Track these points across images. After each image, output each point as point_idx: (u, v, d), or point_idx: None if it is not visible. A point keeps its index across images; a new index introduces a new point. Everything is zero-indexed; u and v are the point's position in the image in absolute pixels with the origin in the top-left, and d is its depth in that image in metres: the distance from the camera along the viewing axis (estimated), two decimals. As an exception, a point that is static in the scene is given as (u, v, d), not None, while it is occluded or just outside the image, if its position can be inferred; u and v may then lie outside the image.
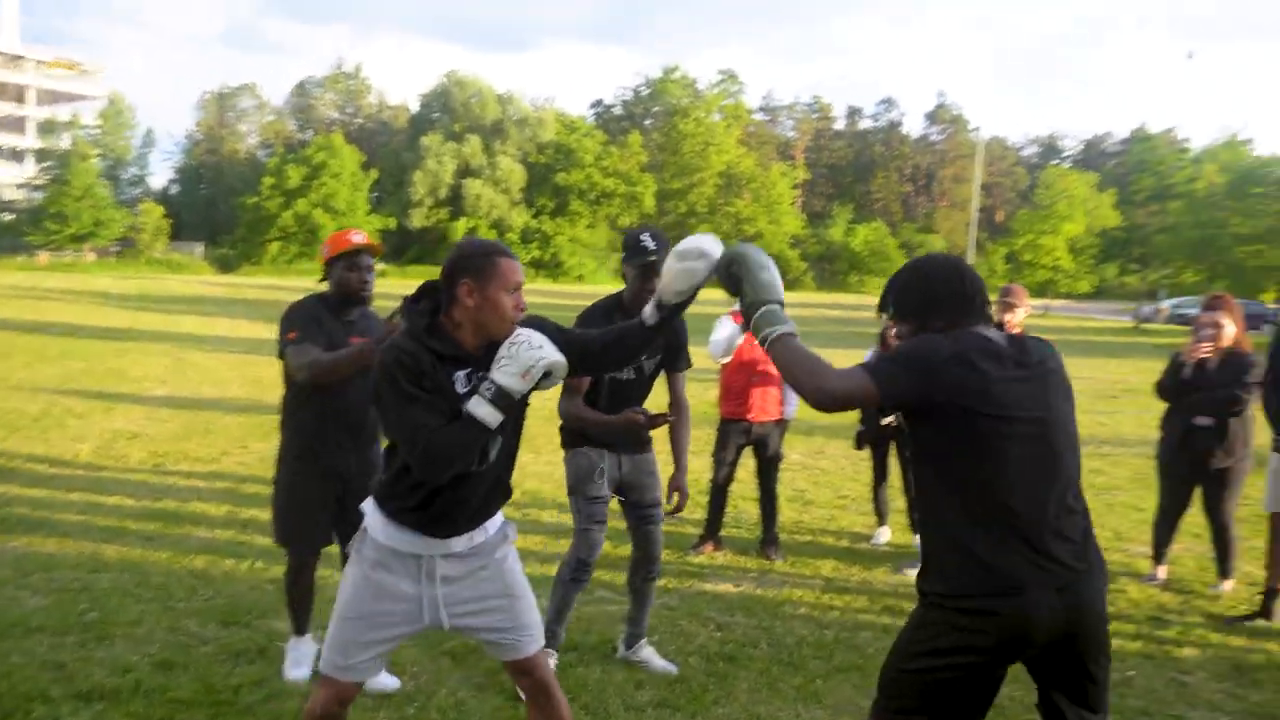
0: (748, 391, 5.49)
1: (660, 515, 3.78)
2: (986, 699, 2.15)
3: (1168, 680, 3.86)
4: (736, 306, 5.54)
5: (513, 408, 2.28)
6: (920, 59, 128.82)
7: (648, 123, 72.16)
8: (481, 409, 2.22)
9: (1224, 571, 5.13)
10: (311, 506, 3.50)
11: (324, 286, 3.54)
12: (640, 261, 3.48)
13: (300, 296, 3.55)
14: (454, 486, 2.32)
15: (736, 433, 5.57)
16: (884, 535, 5.97)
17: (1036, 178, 64.00)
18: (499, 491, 2.49)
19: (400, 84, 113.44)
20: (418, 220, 60.16)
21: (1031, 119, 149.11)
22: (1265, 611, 4.60)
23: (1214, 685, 3.82)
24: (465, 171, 60.07)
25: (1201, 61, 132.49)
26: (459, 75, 62.97)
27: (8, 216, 58.01)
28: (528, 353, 2.23)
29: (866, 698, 3.59)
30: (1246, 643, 4.33)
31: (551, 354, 2.25)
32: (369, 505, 2.44)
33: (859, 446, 6.20)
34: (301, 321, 3.40)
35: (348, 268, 3.47)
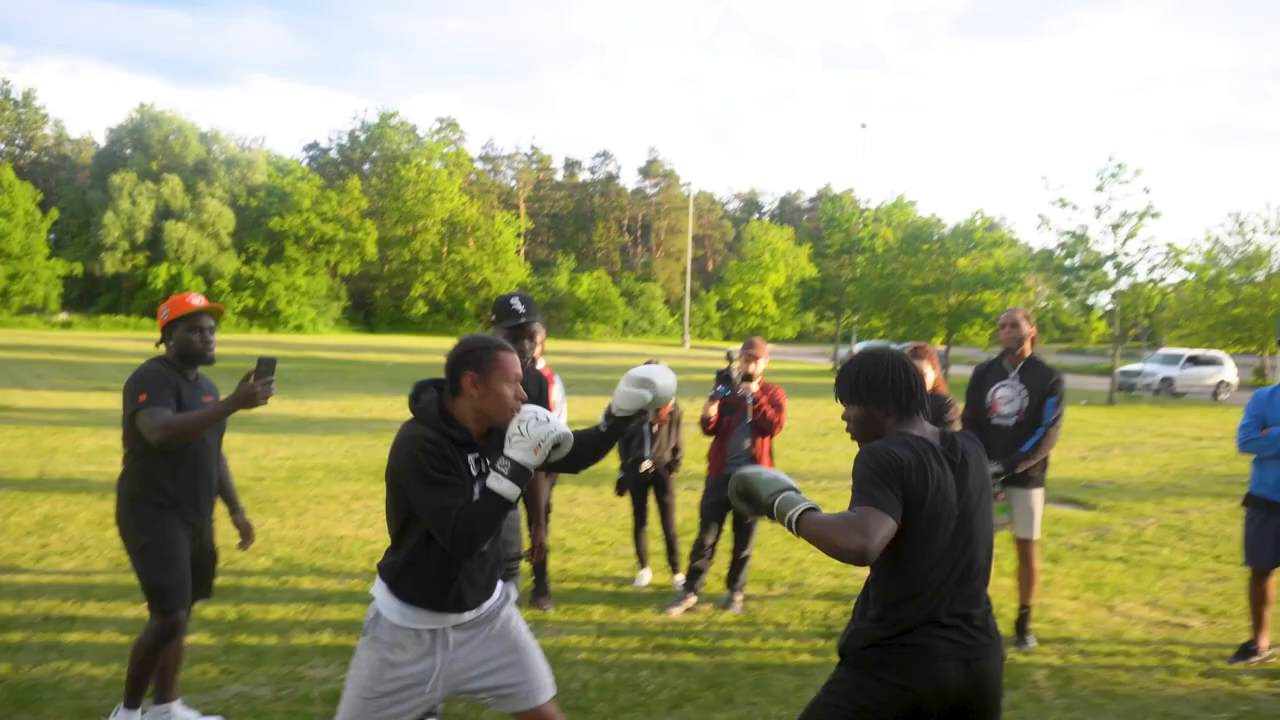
0: None
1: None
2: None
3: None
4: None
5: (527, 481, 2.50)
6: (631, 114, 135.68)
7: (366, 168, 70.43)
8: (501, 485, 2.46)
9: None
10: (184, 564, 3.61)
11: (161, 350, 3.67)
12: (511, 324, 3.83)
13: (141, 361, 3.67)
14: (469, 562, 2.58)
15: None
16: (646, 577, 6.33)
17: (741, 230, 69.33)
18: (499, 561, 2.75)
19: (83, 116, 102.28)
20: (110, 265, 54.75)
21: (734, 176, 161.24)
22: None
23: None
24: (165, 213, 55.52)
25: (873, 130, 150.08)
26: (154, 109, 58.16)
27: None
28: (537, 428, 2.49)
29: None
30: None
31: (558, 426, 2.51)
32: (379, 588, 2.62)
33: (620, 493, 6.56)
34: (151, 385, 3.50)
35: (189, 329, 3.63)
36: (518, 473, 2.47)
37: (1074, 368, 38.06)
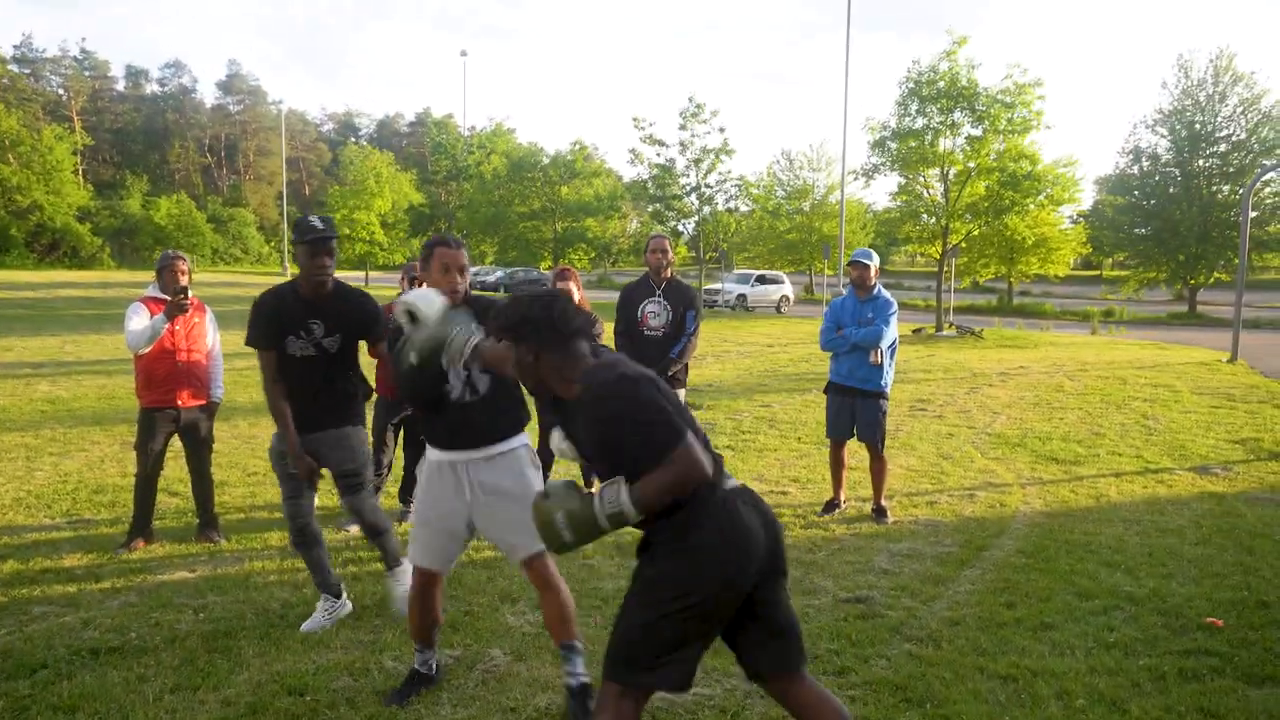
0: (173, 379, 5.43)
1: (359, 483, 4.23)
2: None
3: (580, 567, 5.08)
4: (149, 292, 5.57)
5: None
6: (204, 21, 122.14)
7: None
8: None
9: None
10: None
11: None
12: (311, 238, 3.90)
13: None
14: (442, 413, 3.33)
15: (164, 421, 5.45)
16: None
17: (338, 154, 66.20)
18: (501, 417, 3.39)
19: None
20: None
21: (326, 96, 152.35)
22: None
23: (610, 563, 5.16)
24: None
25: (471, 58, 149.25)
26: None
27: None
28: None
29: (368, 632, 4.15)
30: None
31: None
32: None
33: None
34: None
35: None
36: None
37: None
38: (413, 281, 6.32)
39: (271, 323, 4.02)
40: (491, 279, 38.63)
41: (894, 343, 6.05)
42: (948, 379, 14.04)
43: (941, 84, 22.86)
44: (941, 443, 8.92)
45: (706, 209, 30.08)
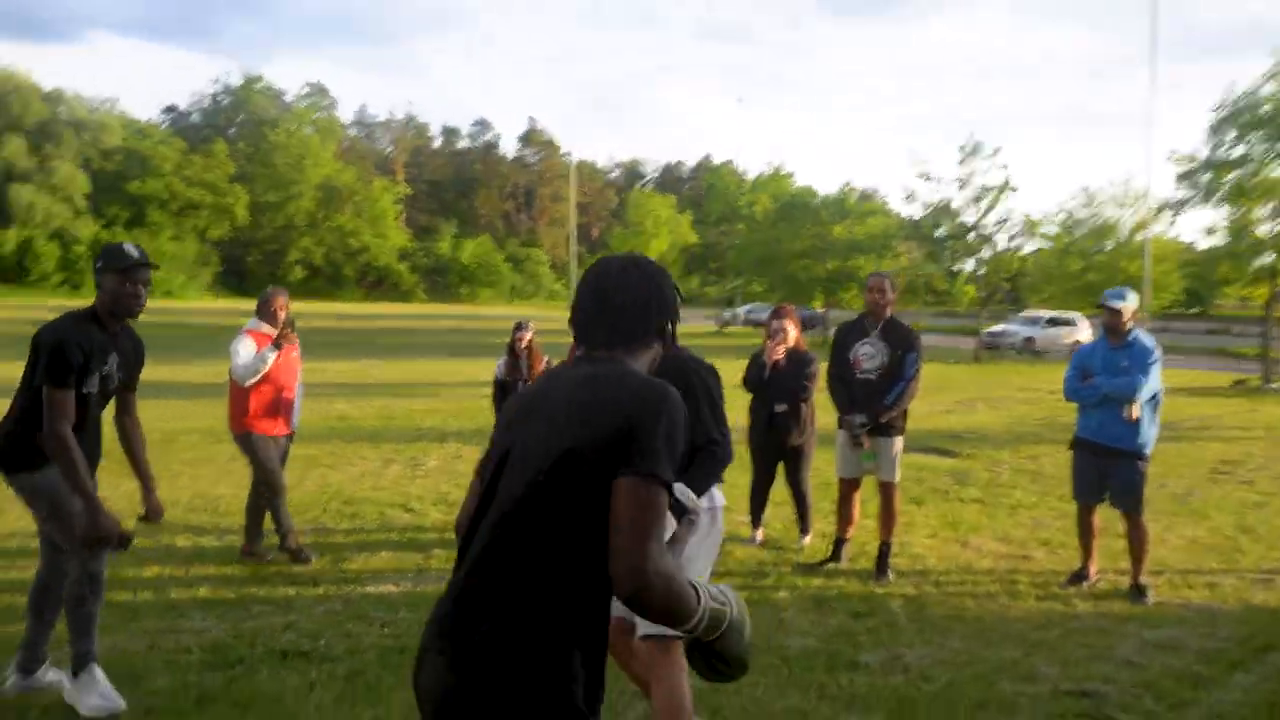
0: (275, 408, 5.65)
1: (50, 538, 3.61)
2: None
3: (771, 619, 4.72)
4: (250, 325, 5.66)
5: None
6: (509, 83, 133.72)
7: (231, 132, 67.41)
8: None
9: (804, 528, 6.27)
10: None
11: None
12: (120, 265, 3.48)
13: None
14: None
15: (274, 446, 5.67)
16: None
17: (624, 198, 69.57)
18: None
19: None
20: (-47, 226, 50.97)
21: (615, 145, 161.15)
22: (836, 556, 5.73)
23: (804, 617, 4.75)
24: (9, 176, 51.86)
25: (751, 105, 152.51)
26: (-7, 67, 54.22)
27: None
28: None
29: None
30: (824, 582, 5.38)
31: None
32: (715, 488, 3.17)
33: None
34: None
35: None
36: None
37: (946, 329, 39.76)
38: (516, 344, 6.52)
39: (83, 358, 3.42)
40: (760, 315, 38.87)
41: (1157, 396, 5.18)
42: (1269, 439, 12.02)
43: (1267, 108, 20.18)
44: (1245, 514, 7.54)
45: (986, 249, 28.33)
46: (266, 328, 5.61)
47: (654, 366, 1.86)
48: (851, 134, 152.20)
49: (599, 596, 1.63)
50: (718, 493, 3.12)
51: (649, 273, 1.85)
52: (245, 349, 5.51)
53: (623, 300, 1.80)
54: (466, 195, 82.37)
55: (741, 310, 40.09)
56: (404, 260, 68.74)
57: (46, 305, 28.22)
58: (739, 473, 8.31)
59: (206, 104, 69.42)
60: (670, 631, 2.71)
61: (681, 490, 2.57)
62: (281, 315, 5.63)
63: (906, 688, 3.87)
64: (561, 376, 1.80)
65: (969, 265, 29.85)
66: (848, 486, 5.74)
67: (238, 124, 67.99)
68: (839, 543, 5.77)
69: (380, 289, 67.39)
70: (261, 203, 62.75)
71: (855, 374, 5.46)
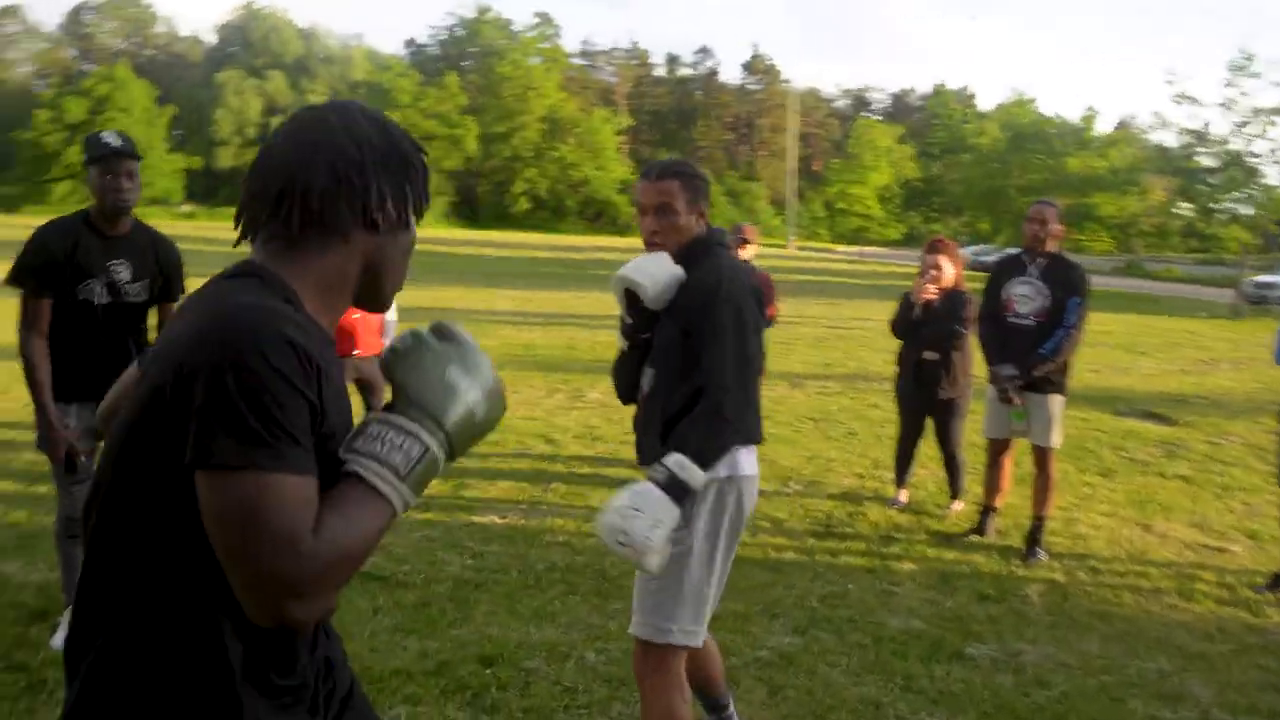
0: (352, 327, 5.52)
1: (81, 470, 3.28)
2: None
3: (879, 591, 4.22)
4: None
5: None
6: (733, 9, 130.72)
7: (465, 64, 70.23)
8: None
9: (954, 493, 5.63)
10: None
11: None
12: (95, 154, 3.18)
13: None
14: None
15: (346, 368, 5.62)
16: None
17: (848, 129, 66.83)
18: None
19: (191, 14, 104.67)
20: (225, 159, 56.58)
21: (843, 73, 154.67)
22: (980, 528, 5.09)
23: (918, 594, 4.22)
24: (272, 109, 56.77)
25: (989, 26, 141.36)
26: (257, 7, 59.17)
27: None
28: None
29: (601, 616, 3.79)
30: (958, 555, 4.78)
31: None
32: (734, 452, 2.36)
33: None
34: None
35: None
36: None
37: (1203, 279, 35.40)
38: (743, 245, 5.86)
39: (53, 262, 3.17)
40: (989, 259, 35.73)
41: None
42: None
43: None
44: None
45: (1255, 185, 24.74)
46: None
47: (365, 278, 1.26)
48: (1103, 59, 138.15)
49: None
50: (743, 458, 2.39)
51: (331, 125, 1.20)
52: None
53: (276, 169, 1.19)
54: (687, 126, 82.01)
55: (967, 251, 37.10)
56: (624, 193, 69.71)
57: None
58: (877, 425, 7.70)
59: (444, 36, 72.70)
60: (662, 639, 2.32)
61: (679, 463, 2.18)
62: None
63: (1011, 692, 3.31)
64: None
65: (1235, 205, 26.27)
66: (996, 448, 5.05)
67: (470, 55, 70.78)
68: (985, 512, 5.12)
69: (600, 221, 68.80)
70: (490, 134, 65.26)
71: (1007, 317, 4.72)
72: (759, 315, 2.40)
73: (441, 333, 1.23)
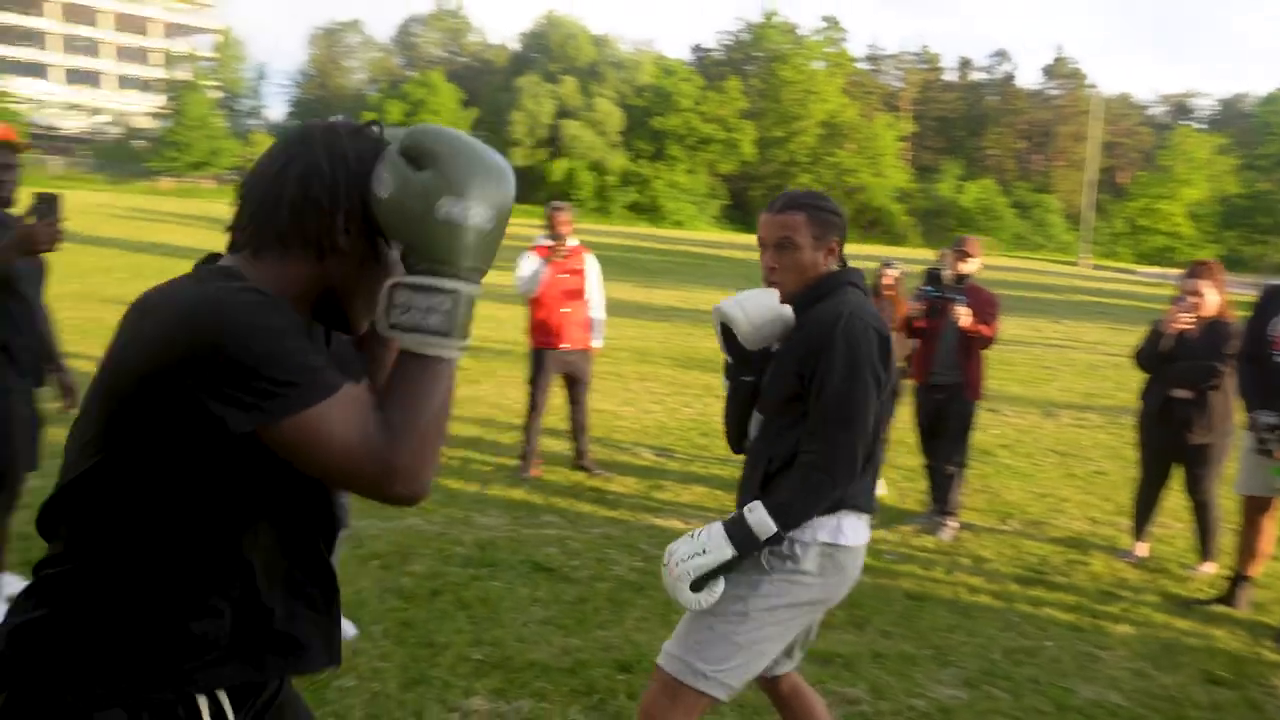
0: (550, 323, 5.60)
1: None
2: None
3: (1079, 653, 3.72)
4: (539, 240, 5.49)
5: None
6: (1036, 10, 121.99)
7: (748, 68, 70.66)
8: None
9: (1205, 553, 4.87)
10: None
11: None
12: None
13: None
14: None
15: (553, 361, 5.64)
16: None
17: (1164, 139, 60.43)
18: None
19: (501, 23, 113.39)
20: (518, 159, 60.68)
21: (1162, 77, 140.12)
22: (1229, 598, 4.36)
23: (1127, 663, 3.66)
24: (563, 112, 60.15)
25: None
26: (556, 15, 62.98)
27: (138, 143, 60.73)
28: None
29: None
30: (1193, 626, 4.12)
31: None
32: (839, 517, 2.13)
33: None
34: None
35: None
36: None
37: None
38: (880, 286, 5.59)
39: None
40: None
41: None
42: None
43: None
44: None
45: None
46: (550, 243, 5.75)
47: (326, 297, 1.23)
48: None
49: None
50: (848, 526, 2.11)
51: (314, 143, 1.21)
52: (524, 264, 5.61)
53: (256, 178, 1.23)
54: (975, 133, 77.68)
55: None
56: (901, 201, 67.25)
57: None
58: (1132, 465, 6.80)
59: (729, 41, 73.61)
60: (694, 682, 2.11)
61: (751, 508, 2.01)
62: (562, 231, 5.61)
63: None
64: None
65: None
66: (1254, 507, 4.29)
67: (754, 60, 71.10)
68: (1237, 580, 4.37)
69: (874, 230, 66.85)
70: (767, 138, 65.27)
71: (1273, 356, 3.99)
72: (884, 366, 2.09)
73: (415, 158, 1.14)
